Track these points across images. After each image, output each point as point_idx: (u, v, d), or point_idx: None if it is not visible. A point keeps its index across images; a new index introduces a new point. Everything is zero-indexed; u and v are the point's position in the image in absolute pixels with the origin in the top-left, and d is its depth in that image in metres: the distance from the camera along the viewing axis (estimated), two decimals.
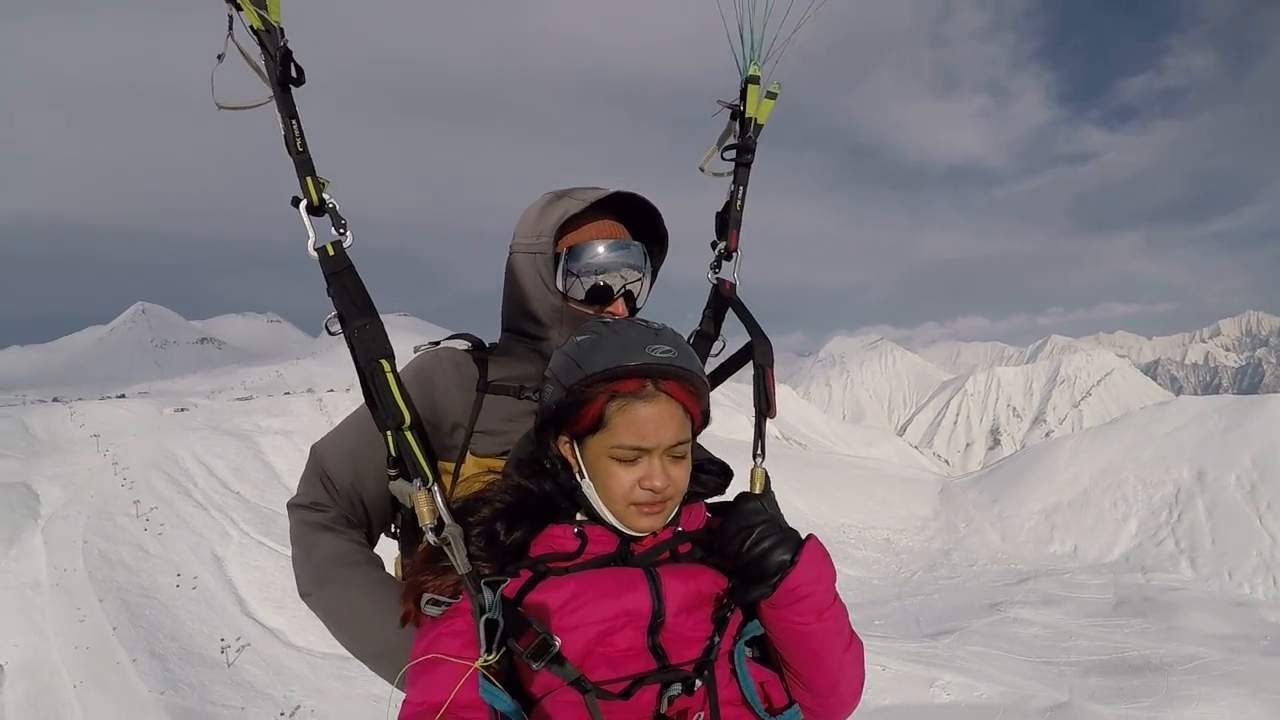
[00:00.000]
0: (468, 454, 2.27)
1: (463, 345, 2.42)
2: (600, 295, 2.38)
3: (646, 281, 2.47)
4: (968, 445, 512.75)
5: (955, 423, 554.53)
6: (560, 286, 2.38)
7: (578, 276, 2.38)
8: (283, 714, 25.18)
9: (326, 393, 61.43)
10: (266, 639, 30.04)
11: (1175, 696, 22.35)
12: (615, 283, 2.38)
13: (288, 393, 70.19)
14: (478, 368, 2.36)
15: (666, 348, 1.69)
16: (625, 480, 1.69)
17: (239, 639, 29.74)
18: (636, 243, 2.45)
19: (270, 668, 27.59)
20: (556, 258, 2.40)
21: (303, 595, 2.21)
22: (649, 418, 1.67)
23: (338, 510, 2.29)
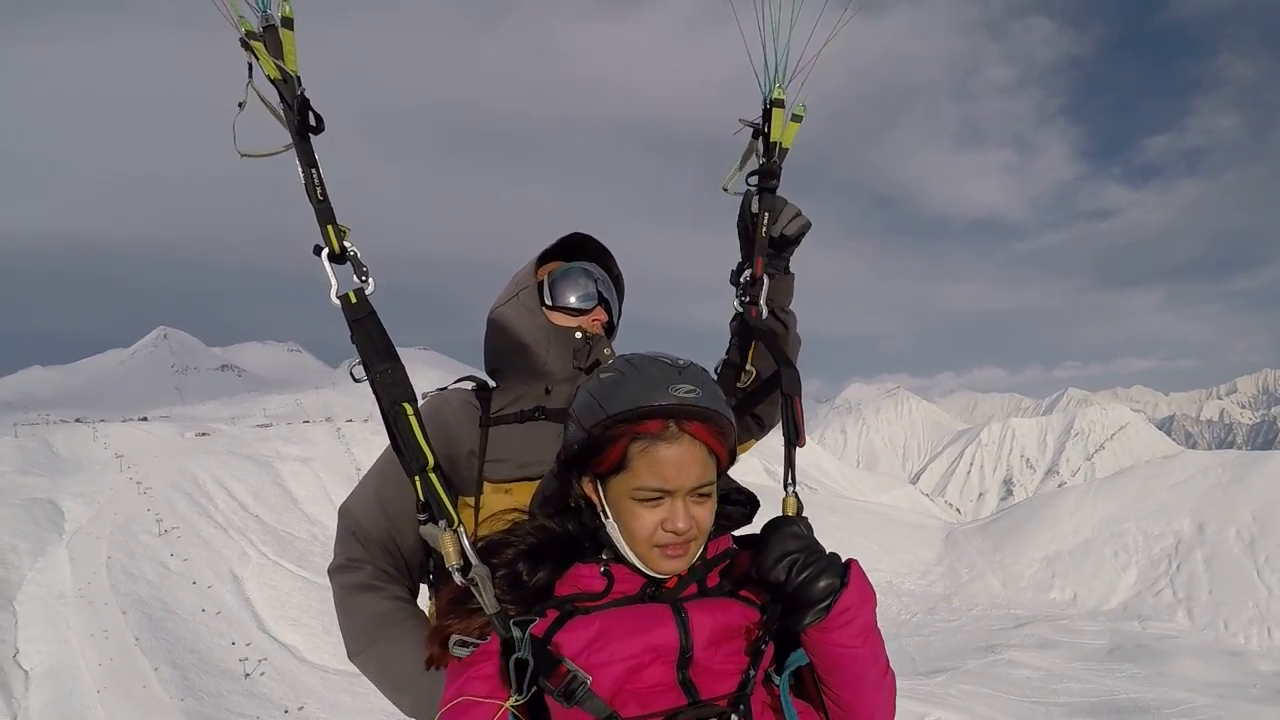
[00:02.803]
0: (484, 482, 2.37)
1: (468, 385, 2.60)
2: (581, 301, 2.57)
3: (615, 302, 2.68)
4: (980, 495, 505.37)
5: (969, 472, 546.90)
6: (547, 303, 2.56)
7: (559, 293, 2.57)
8: (286, 710, 25.75)
9: (345, 422, 61.89)
10: (282, 654, 30.55)
11: None
12: (591, 289, 2.57)
13: (306, 421, 70.52)
14: (480, 405, 2.51)
15: (690, 387, 1.68)
16: (648, 521, 1.68)
17: (256, 654, 30.24)
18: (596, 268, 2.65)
19: (285, 681, 28.16)
20: (540, 287, 2.58)
21: (351, 657, 2.34)
22: (672, 459, 1.66)
23: (374, 565, 2.39)
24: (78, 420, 74.17)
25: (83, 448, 54.89)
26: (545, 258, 2.63)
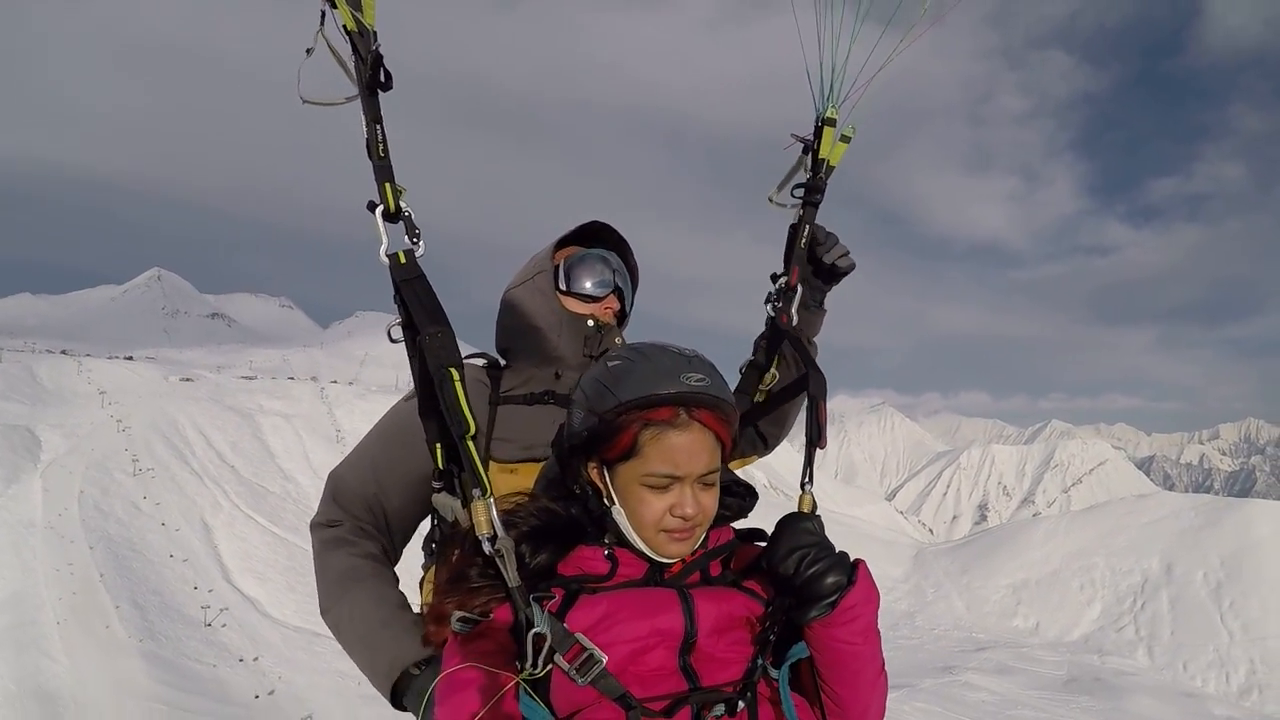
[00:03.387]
0: (490, 460, 2.39)
1: (479, 361, 2.63)
2: (596, 289, 2.61)
3: (629, 291, 2.70)
4: (954, 518, 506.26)
5: (945, 494, 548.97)
6: (561, 288, 2.59)
7: (575, 278, 2.60)
8: (242, 659, 25.83)
9: (330, 383, 61.94)
10: (244, 606, 30.51)
11: None
12: (607, 276, 2.61)
13: (291, 378, 70.60)
14: (491, 383, 2.54)
15: (700, 375, 1.71)
16: (657, 507, 1.71)
17: (218, 603, 30.28)
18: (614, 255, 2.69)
19: (245, 633, 28.09)
20: (555, 271, 2.61)
21: (323, 614, 2.36)
22: (682, 446, 1.69)
23: (352, 521, 2.42)
24: (63, 352, 73.84)
25: (66, 380, 54.62)
26: (563, 243, 2.65)
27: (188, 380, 57.95)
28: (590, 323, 2.55)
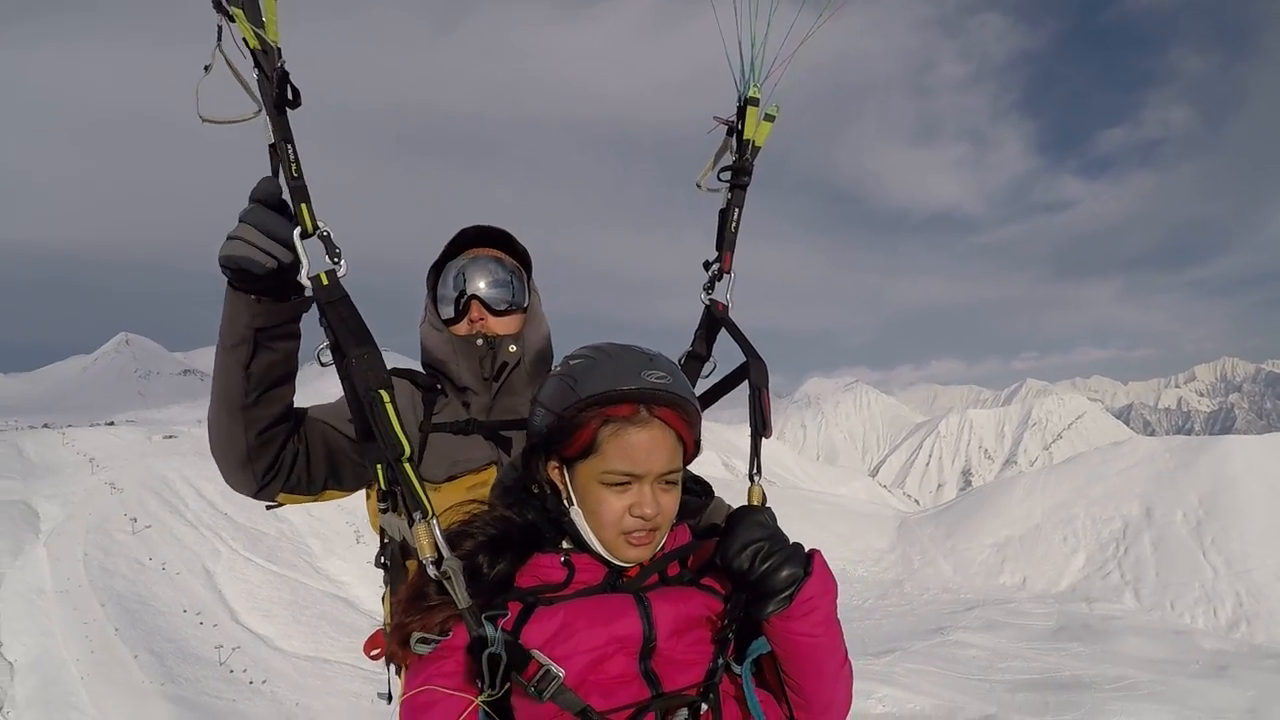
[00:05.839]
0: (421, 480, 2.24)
1: (421, 381, 2.60)
2: (463, 305, 2.58)
3: (512, 283, 2.62)
4: (939, 486, 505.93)
5: (928, 464, 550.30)
6: (440, 317, 2.59)
7: (440, 307, 2.61)
8: (259, 691, 26.25)
9: None
10: (255, 643, 31.12)
11: (1099, 711, 22.37)
12: (462, 287, 2.57)
13: None
14: (425, 406, 2.56)
15: (661, 373, 1.69)
16: (616, 507, 1.68)
17: (230, 642, 30.74)
18: (486, 253, 2.63)
19: (259, 667, 28.75)
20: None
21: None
22: (642, 444, 1.67)
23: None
24: (45, 426, 73.70)
25: (52, 452, 55.30)
26: (438, 267, 2.66)
27: (170, 437, 58.34)
28: (480, 341, 2.54)
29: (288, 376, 2.22)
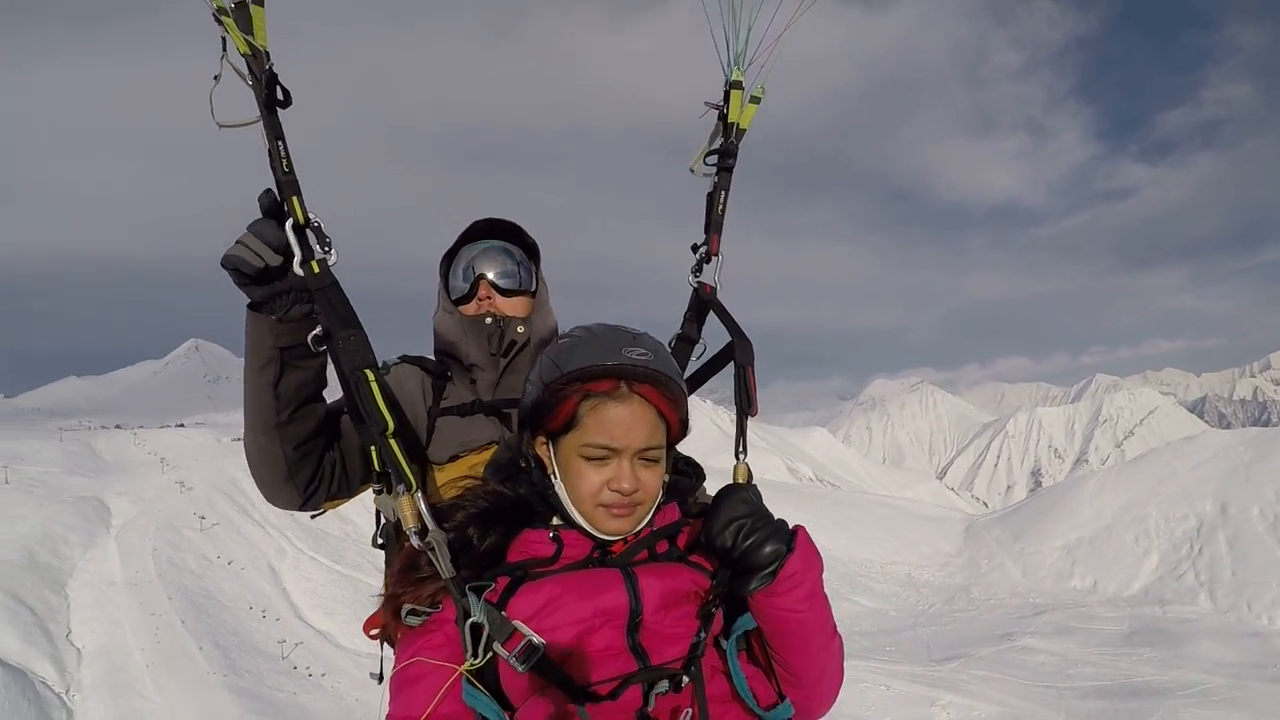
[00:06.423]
0: (429, 464, 2.50)
1: (431, 367, 2.66)
2: (466, 286, 2.65)
3: (519, 269, 2.69)
4: (1009, 487, 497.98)
5: (996, 465, 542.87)
6: (451, 299, 2.67)
7: (451, 288, 2.69)
8: (319, 684, 26.45)
9: None
10: (317, 639, 31.68)
11: (1172, 719, 22.30)
12: (470, 270, 2.65)
13: None
14: (434, 393, 2.60)
15: (643, 350, 1.73)
16: (594, 480, 1.72)
17: (293, 638, 31.24)
18: (498, 241, 2.71)
19: (320, 662, 29.22)
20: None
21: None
22: (620, 418, 1.70)
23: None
24: (117, 426, 75.40)
25: (124, 451, 56.72)
26: (450, 256, 2.74)
27: (239, 440, 59.00)
28: (489, 320, 2.59)
29: (319, 392, 2.31)
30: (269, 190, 2.00)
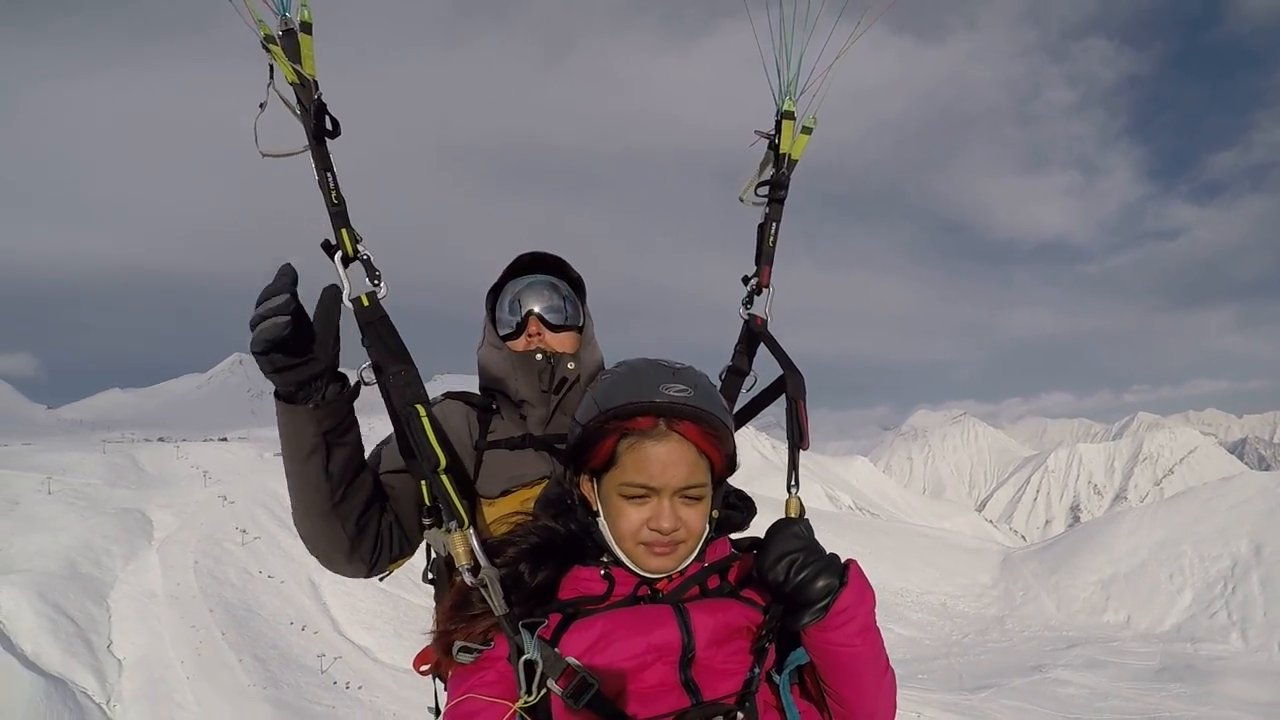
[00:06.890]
0: (478, 497, 2.47)
1: (477, 401, 2.64)
2: (524, 319, 2.60)
3: (566, 304, 2.65)
4: (1047, 522, 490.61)
5: (1035, 499, 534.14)
6: (499, 334, 2.63)
7: (499, 324, 2.65)
8: (358, 699, 26.80)
9: None
10: (356, 654, 32.03)
11: None
12: (518, 306, 2.61)
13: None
14: (480, 427, 2.58)
15: (683, 386, 1.70)
16: (634, 519, 1.71)
17: (332, 652, 31.62)
18: (544, 275, 2.67)
19: (359, 677, 29.58)
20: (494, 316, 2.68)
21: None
22: (657, 457, 1.68)
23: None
24: (160, 439, 76.03)
25: (167, 464, 57.21)
26: (495, 290, 2.72)
27: (280, 455, 59.70)
28: (539, 356, 2.55)
29: (363, 461, 2.26)
30: (271, 284, 1.91)
